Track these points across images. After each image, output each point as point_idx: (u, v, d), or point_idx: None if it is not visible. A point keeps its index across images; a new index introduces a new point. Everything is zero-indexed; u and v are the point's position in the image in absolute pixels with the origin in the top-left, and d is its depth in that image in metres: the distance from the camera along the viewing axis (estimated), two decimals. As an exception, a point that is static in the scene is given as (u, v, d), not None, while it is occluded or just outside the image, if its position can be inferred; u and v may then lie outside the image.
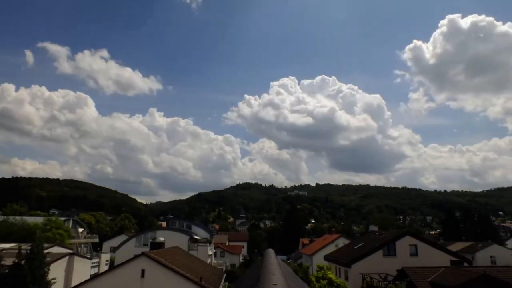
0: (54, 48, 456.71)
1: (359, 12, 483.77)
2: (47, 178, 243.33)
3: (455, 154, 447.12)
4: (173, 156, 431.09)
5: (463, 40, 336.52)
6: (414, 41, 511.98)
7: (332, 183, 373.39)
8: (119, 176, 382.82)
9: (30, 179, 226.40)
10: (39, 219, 51.78)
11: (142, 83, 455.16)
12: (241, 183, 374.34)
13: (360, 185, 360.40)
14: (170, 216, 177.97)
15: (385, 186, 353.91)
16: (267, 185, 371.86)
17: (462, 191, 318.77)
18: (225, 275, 34.67)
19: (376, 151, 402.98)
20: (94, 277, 25.09)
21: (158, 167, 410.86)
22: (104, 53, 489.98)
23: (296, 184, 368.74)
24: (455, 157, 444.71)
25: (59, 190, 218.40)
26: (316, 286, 26.69)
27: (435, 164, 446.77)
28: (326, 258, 40.51)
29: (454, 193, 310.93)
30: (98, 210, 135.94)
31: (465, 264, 30.36)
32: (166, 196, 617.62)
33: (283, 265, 26.52)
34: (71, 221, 58.48)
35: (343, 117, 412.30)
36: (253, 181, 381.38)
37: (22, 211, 79.34)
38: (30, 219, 51.54)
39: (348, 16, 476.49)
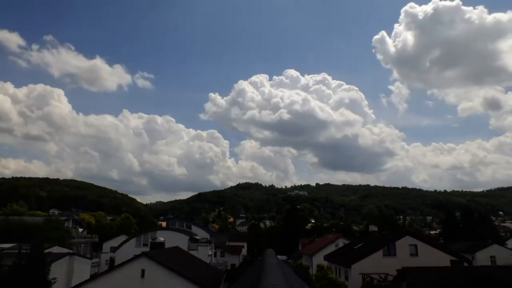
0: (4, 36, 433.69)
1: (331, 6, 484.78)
2: (47, 178, 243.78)
3: (439, 152, 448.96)
4: (155, 154, 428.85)
5: (432, 30, 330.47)
6: (382, 32, 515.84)
7: (331, 183, 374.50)
8: (103, 174, 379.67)
9: (30, 179, 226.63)
10: (39, 219, 51.71)
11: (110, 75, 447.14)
12: (241, 183, 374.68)
13: (360, 185, 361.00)
14: (170, 216, 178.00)
15: (385, 186, 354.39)
16: (267, 185, 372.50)
17: (462, 191, 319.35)
18: (225, 275, 34.65)
19: (363, 150, 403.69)
20: (94, 277, 25.08)
21: (142, 165, 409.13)
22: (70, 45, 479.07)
23: (289, 184, 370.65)
24: (441, 156, 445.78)
25: (59, 190, 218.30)
26: (317, 286, 26.71)
27: (423, 163, 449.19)
28: (326, 258, 40.53)
29: (454, 193, 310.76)
30: (98, 210, 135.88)
31: (465, 264, 30.39)
32: (155, 196, 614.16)
33: (283, 265, 26.50)
34: (71, 221, 58.41)
35: (323, 113, 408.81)
36: (253, 181, 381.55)
37: (22, 211, 79.21)
38: (30, 219, 51.49)
39: (320, 12, 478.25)
